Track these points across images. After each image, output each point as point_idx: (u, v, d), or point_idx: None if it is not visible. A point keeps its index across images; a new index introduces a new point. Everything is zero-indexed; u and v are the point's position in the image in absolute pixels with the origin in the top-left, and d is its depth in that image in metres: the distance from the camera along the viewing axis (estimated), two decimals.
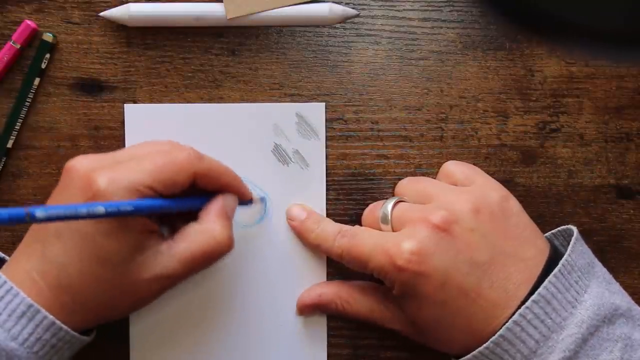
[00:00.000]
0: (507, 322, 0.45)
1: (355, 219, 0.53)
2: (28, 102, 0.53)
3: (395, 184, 0.53)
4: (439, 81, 0.54)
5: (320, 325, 0.53)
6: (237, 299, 0.53)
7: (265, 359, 0.53)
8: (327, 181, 0.53)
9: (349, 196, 0.54)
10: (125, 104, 0.53)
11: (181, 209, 0.47)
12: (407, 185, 0.51)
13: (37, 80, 0.53)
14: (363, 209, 0.52)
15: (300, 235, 0.52)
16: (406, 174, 0.53)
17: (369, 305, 0.51)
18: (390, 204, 0.49)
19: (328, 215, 0.53)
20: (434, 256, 0.45)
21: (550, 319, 0.45)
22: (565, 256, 0.46)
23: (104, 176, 0.43)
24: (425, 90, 0.54)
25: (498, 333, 0.45)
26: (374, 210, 0.50)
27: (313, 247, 0.52)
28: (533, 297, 0.45)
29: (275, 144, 0.53)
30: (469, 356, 0.46)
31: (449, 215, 0.46)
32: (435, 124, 0.54)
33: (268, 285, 0.53)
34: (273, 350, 0.53)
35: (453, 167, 0.51)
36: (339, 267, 0.52)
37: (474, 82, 0.53)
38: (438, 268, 0.45)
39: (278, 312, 0.53)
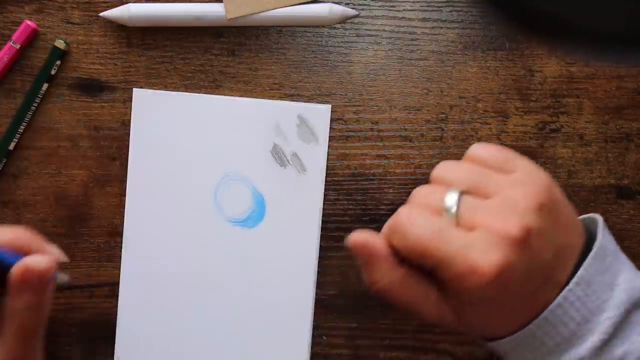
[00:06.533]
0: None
1: (355, 219, 0.53)
2: (34, 106, 0.53)
3: (395, 184, 0.52)
4: (439, 81, 0.53)
5: (303, 326, 0.53)
6: (224, 296, 0.53)
7: (247, 356, 0.53)
8: (327, 182, 0.53)
9: (349, 196, 0.54)
10: (134, 88, 0.53)
11: None
12: (452, 173, 0.46)
13: (45, 86, 0.53)
14: (363, 210, 0.52)
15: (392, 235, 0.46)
16: (406, 174, 0.53)
17: (419, 293, 0.46)
18: (454, 195, 0.44)
19: (327, 216, 0.53)
20: (516, 270, 0.44)
21: (592, 300, 0.45)
22: (598, 239, 0.46)
23: None
24: (425, 90, 0.54)
25: (541, 316, 0.44)
26: (428, 195, 0.45)
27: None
28: (575, 278, 0.44)
29: (275, 144, 0.53)
30: (506, 339, 0.46)
31: (524, 223, 0.43)
32: (435, 124, 0.54)
33: (255, 285, 0.53)
34: (255, 348, 0.53)
35: (482, 152, 0.47)
36: (328, 270, 0.52)
37: (474, 82, 0.53)
38: (517, 280, 0.44)
39: (263, 312, 0.53)
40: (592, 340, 0.44)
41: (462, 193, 0.45)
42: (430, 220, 0.44)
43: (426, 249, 0.44)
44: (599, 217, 0.49)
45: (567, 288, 0.44)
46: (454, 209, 0.44)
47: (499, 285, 0.44)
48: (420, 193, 0.46)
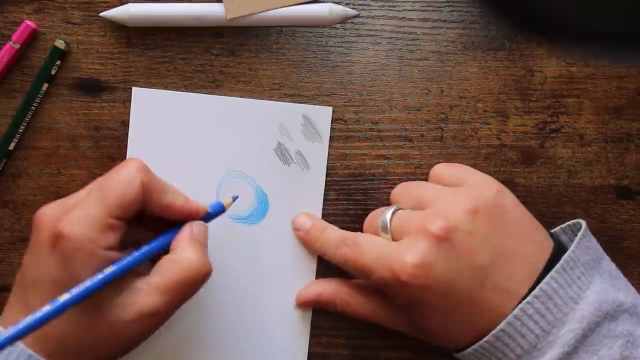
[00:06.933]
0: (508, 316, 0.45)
1: (355, 220, 0.53)
2: (34, 107, 0.53)
3: (396, 184, 0.52)
4: (439, 81, 0.54)
5: (304, 323, 0.53)
6: (225, 293, 0.53)
7: (246, 353, 0.53)
8: (327, 181, 0.53)
9: (349, 197, 0.54)
10: (133, 87, 0.53)
11: (136, 263, 0.45)
12: (402, 192, 0.51)
13: (45, 86, 0.53)
14: (363, 210, 0.52)
15: (306, 245, 0.53)
16: (406, 174, 0.53)
17: (370, 308, 0.51)
18: (389, 212, 0.48)
19: (327, 216, 0.53)
20: (437, 267, 0.45)
21: (551, 314, 0.45)
22: (568, 252, 0.46)
23: (63, 223, 0.43)
24: (425, 91, 0.54)
25: (499, 327, 0.45)
26: (373, 219, 0.50)
27: (319, 254, 0.52)
28: (534, 292, 0.45)
29: (279, 142, 0.53)
30: (469, 350, 0.46)
31: (447, 223, 0.46)
32: (435, 124, 0.54)
33: (256, 282, 0.53)
34: (255, 345, 0.53)
35: (442, 170, 0.51)
36: (329, 268, 0.52)
37: (474, 82, 0.53)
38: (442, 278, 0.45)
39: (263, 308, 0.53)
40: (553, 353, 0.44)
41: (398, 209, 0.49)
42: (363, 240, 0.49)
43: (351, 264, 0.49)
44: (582, 224, 0.49)
45: (525, 300, 0.45)
46: (388, 226, 0.48)
47: (420, 284, 0.45)
48: (368, 218, 0.51)
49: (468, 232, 0.46)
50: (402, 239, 0.47)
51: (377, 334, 0.54)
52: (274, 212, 0.53)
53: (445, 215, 0.46)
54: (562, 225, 0.51)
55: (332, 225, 0.52)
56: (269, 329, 0.53)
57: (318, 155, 0.53)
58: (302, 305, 0.53)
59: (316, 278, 0.53)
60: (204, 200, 0.48)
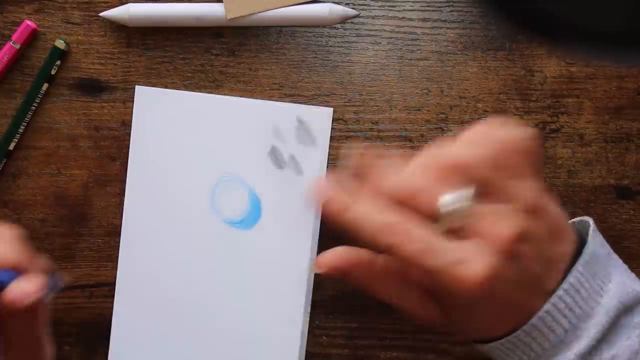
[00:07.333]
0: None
1: None
2: (34, 106, 0.53)
3: None
4: (439, 81, 0.53)
5: (295, 327, 0.53)
6: (218, 297, 0.53)
7: (237, 357, 0.53)
8: None
9: None
10: (136, 86, 0.53)
11: None
12: (469, 163, 0.42)
13: (45, 86, 0.53)
14: None
15: (331, 215, 0.43)
16: None
17: (399, 291, 0.46)
18: (460, 204, 0.41)
19: None
20: (503, 280, 0.43)
21: (580, 307, 0.45)
22: (589, 246, 0.46)
23: None
24: (425, 91, 0.54)
25: (530, 322, 0.44)
26: (423, 190, 0.41)
27: (348, 227, 0.43)
28: (563, 285, 0.44)
29: (273, 146, 0.53)
30: (494, 343, 0.46)
31: (519, 236, 0.42)
32: (435, 124, 0.54)
33: (248, 286, 0.53)
34: (248, 349, 0.53)
35: (518, 142, 0.42)
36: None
37: (474, 82, 0.53)
38: (503, 290, 0.44)
39: (257, 313, 0.53)
40: (580, 346, 0.44)
41: (466, 199, 0.41)
42: (419, 234, 0.41)
43: (416, 263, 0.42)
44: (590, 221, 0.48)
45: (555, 295, 0.44)
46: (456, 216, 0.42)
47: (486, 294, 0.44)
48: (414, 183, 0.41)
49: (533, 242, 0.43)
50: (468, 238, 0.42)
51: (377, 334, 0.54)
52: (267, 216, 0.53)
53: (516, 224, 0.42)
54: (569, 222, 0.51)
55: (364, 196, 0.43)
56: (261, 333, 0.53)
57: (313, 159, 0.53)
58: (329, 270, 0.45)
59: (308, 284, 0.53)
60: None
